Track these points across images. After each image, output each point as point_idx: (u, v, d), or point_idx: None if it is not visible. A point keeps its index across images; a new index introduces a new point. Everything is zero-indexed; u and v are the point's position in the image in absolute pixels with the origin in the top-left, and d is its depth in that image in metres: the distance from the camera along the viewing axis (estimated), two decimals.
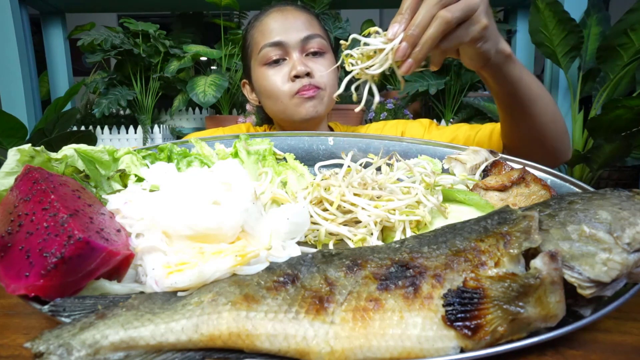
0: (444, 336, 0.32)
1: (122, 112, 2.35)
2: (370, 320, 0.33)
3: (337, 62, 1.00)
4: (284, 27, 0.94)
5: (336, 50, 1.06)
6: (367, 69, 0.58)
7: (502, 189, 0.56)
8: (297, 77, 0.91)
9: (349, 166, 0.59)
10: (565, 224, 0.37)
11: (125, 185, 0.57)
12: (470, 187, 0.59)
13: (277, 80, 0.92)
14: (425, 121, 1.04)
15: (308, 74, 0.91)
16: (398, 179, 0.60)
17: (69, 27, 2.37)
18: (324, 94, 0.93)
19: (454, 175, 0.65)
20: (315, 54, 0.95)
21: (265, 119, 1.13)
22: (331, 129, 1.09)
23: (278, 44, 0.93)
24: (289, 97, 0.92)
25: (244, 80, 1.07)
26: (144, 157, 0.62)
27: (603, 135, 1.62)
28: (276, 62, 0.93)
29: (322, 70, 0.93)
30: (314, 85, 0.91)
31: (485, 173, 0.64)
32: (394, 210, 0.52)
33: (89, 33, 2.09)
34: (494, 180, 0.57)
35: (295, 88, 0.91)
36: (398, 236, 0.51)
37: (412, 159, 0.70)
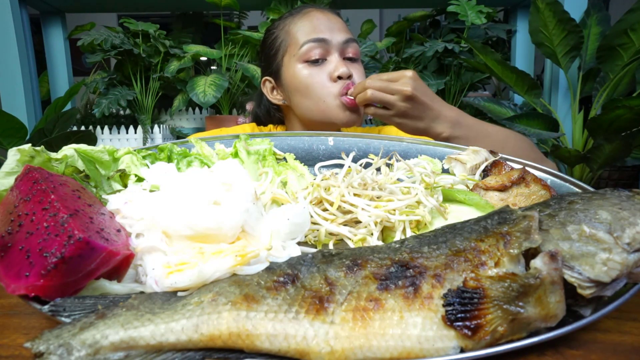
0: (444, 336, 0.32)
1: (122, 112, 2.35)
2: (370, 320, 0.33)
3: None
4: (327, 26, 0.95)
5: None
6: None
7: (502, 189, 0.56)
8: (340, 77, 0.91)
9: (349, 167, 0.59)
10: (565, 224, 0.37)
11: (125, 185, 0.57)
12: (470, 187, 0.59)
13: (320, 79, 0.92)
14: None
15: (349, 77, 0.92)
16: (398, 179, 0.60)
17: (69, 27, 2.37)
18: None
19: (454, 175, 0.65)
20: (350, 59, 0.96)
21: (267, 118, 1.12)
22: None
23: (322, 41, 0.93)
24: (333, 97, 0.91)
25: (266, 78, 1.04)
26: (144, 157, 0.62)
27: (603, 135, 1.62)
28: (315, 62, 0.93)
29: (358, 75, 0.94)
30: None
31: (485, 173, 0.64)
32: (394, 210, 0.52)
33: (89, 33, 2.09)
34: (494, 180, 0.57)
35: (339, 89, 0.91)
36: (398, 236, 0.51)
37: (412, 159, 0.70)
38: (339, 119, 0.93)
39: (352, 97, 0.90)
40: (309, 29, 0.94)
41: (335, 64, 0.92)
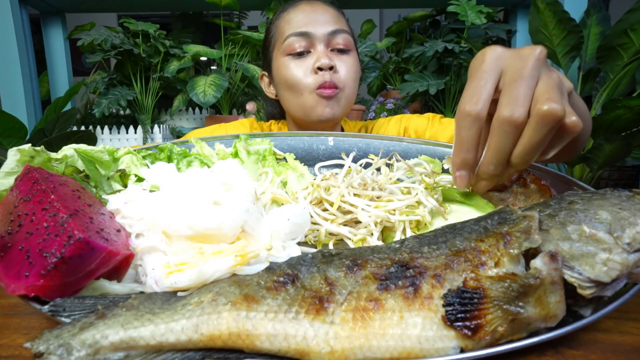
0: (444, 336, 0.32)
1: (122, 112, 2.35)
2: (370, 320, 0.33)
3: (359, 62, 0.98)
4: (312, 19, 0.92)
5: None
6: None
7: (502, 189, 0.56)
8: (320, 69, 0.88)
9: (349, 167, 0.59)
10: (565, 224, 0.37)
11: (125, 185, 0.57)
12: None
13: (300, 72, 0.90)
14: (428, 115, 1.03)
15: (331, 68, 0.88)
16: (398, 179, 0.60)
17: (69, 27, 2.37)
18: (342, 95, 0.91)
19: None
20: (340, 51, 0.92)
21: (272, 115, 1.12)
22: (341, 126, 1.07)
23: (304, 34, 0.90)
24: (309, 91, 0.89)
25: (263, 73, 1.05)
26: (144, 157, 0.62)
27: (603, 135, 1.62)
28: (300, 55, 0.91)
29: (346, 68, 0.91)
30: (334, 84, 0.89)
31: None
32: (394, 210, 0.52)
33: (89, 33, 2.09)
34: None
35: (317, 82, 0.88)
36: (398, 236, 0.51)
37: (412, 159, 0.70)
38: (315, 113, 0.90)
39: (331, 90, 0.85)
40: (294, 22, 0.93)
41: (317, 55, 0.89)
